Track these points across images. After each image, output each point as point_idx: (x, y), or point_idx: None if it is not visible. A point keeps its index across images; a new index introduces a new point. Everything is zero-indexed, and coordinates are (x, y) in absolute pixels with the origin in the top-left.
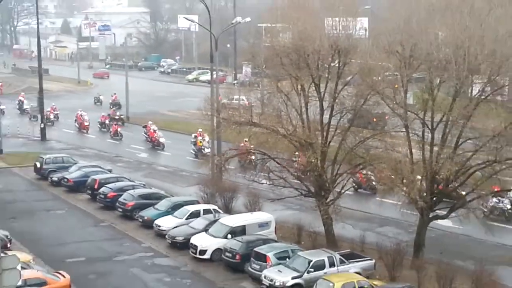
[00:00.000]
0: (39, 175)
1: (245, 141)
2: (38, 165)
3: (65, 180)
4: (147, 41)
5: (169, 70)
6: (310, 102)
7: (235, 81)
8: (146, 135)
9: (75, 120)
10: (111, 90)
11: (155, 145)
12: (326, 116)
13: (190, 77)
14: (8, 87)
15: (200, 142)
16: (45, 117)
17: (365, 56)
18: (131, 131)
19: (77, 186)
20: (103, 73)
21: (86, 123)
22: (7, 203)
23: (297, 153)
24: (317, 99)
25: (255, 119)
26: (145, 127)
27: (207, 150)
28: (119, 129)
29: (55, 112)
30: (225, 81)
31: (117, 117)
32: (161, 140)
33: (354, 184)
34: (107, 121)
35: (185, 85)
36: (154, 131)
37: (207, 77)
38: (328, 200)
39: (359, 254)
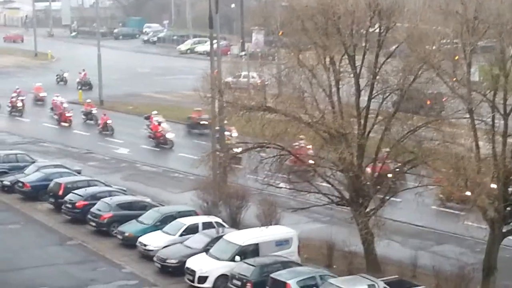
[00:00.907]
0: None
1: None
2: None
3: (20, 184)
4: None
5: (155, 39)
6: (342, 80)
7: (243, 53)
8: (148, 130)
9: (52, 109)
10: (79, 65)
11: (160, 143)
12: (363, 98)
13: (182, 47)
14: None
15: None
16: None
17: (414, 19)
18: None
19: (36, 193)
20: (16, 36)
21: (68, 114)
22: None
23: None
24: (352, 75)
25: (269, 103)
26: (148, 118)
27: (169, 136)
28: (108, 121)
29: (21, 98)
30: (229, 53)
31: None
32: (169, 136)
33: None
34: (93, 110)
35: (177, 58)
36: (159, 123)
37: (205, 47)
38: (367, 209)
39: (410, 282)
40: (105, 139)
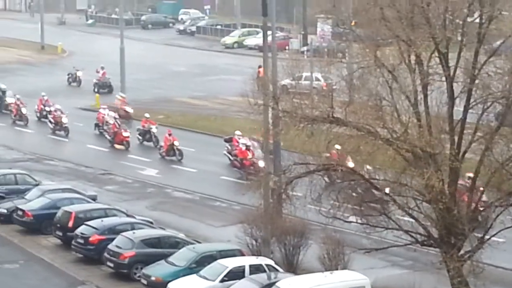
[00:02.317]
0: None
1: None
2: None
3: (20, 213)
4: None
5: (193, 29)
6: (431, 84)
7: (305, 48)
8: (231, 156)
9: (98, 126)
10: (97, 61)
11: (249, 173)
12: (458, 109)
13: (228, 40)
14: None
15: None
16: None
17: None
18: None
19: (40, 223)
20: None
21: (124, 133)
22: None
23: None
24: (444, 78)
25: (338, 113)
26: (229, 140)
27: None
28: (176, 143)
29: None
30: (287, 48)
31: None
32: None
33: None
34: (154, 128)
35: (220, 54)
36: (247, 148)
37: (256, 40)
38: (461, 251)
39: None
40: (128, 157)
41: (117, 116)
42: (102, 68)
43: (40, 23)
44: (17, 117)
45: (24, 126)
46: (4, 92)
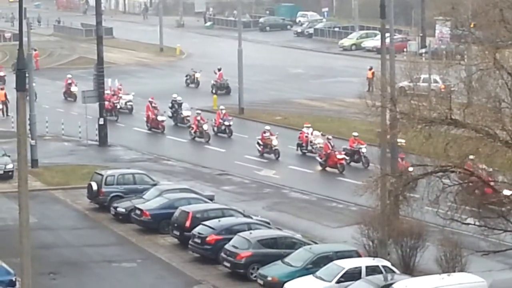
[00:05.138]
0: (96, 203)
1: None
2: (95, 186)
3: (138, 212)
4: None
5: (311, 31)
6: None
7: (423, 50)
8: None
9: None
10: (214, 63)
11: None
12: None
13: (346, 42)
14: (48, 58)
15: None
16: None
17: None
18: (245, 132)
19: (157, 223)
20: None
21: (339, 156)
22: (44, 248)
23: None
24: None
25: (456, 115)
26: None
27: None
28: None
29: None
30: (405, 50)
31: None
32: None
33: None
34: (363, 148)
35: (338, 56)
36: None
37: (374, 42)
38: None
39: None
40: (244, 157)
41: (330, 137)
42: (219, 69)
43: (159, 26)
44: (198, 134)
45: (205, 143)
46: (180, 105)
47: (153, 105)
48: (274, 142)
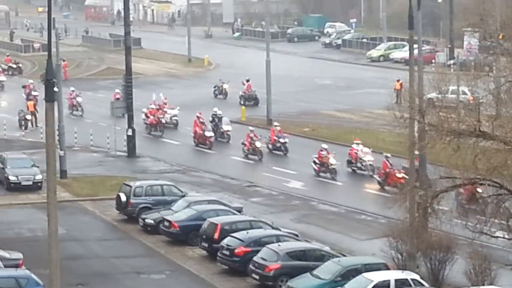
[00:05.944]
0: (125, 215)
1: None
2: (123, 197)
3: (167, 223)
4: None
5: (339, 42)
6: None
7: (451, 61)
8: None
9: (351, 163)
10: (243, 74)
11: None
12: None
13: (374, 53)
14: (76, 69)
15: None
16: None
17: None
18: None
19: (186, 234)
20: None
21: (398, 175)
22: (73, 259)
23: None
24: None
25: (484, 127)
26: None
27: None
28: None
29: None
30: (433, 61)
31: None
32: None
33: None
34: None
35: (366, 67)
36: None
37: (402, 53)
38: None
39: None
40: (273, 169)
41: (388, 155)
42: (248, 80)
43: (187, 36)
44: (250, 151)
45: (258, 161)
46: (220, 119)
47: (200, 120)
48: (332, 160)
